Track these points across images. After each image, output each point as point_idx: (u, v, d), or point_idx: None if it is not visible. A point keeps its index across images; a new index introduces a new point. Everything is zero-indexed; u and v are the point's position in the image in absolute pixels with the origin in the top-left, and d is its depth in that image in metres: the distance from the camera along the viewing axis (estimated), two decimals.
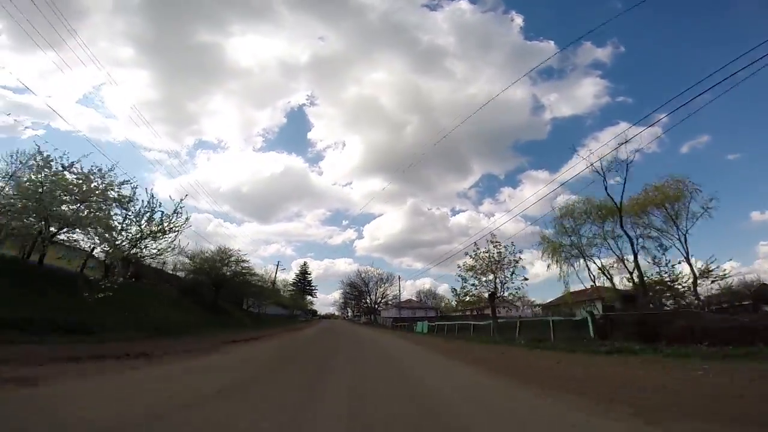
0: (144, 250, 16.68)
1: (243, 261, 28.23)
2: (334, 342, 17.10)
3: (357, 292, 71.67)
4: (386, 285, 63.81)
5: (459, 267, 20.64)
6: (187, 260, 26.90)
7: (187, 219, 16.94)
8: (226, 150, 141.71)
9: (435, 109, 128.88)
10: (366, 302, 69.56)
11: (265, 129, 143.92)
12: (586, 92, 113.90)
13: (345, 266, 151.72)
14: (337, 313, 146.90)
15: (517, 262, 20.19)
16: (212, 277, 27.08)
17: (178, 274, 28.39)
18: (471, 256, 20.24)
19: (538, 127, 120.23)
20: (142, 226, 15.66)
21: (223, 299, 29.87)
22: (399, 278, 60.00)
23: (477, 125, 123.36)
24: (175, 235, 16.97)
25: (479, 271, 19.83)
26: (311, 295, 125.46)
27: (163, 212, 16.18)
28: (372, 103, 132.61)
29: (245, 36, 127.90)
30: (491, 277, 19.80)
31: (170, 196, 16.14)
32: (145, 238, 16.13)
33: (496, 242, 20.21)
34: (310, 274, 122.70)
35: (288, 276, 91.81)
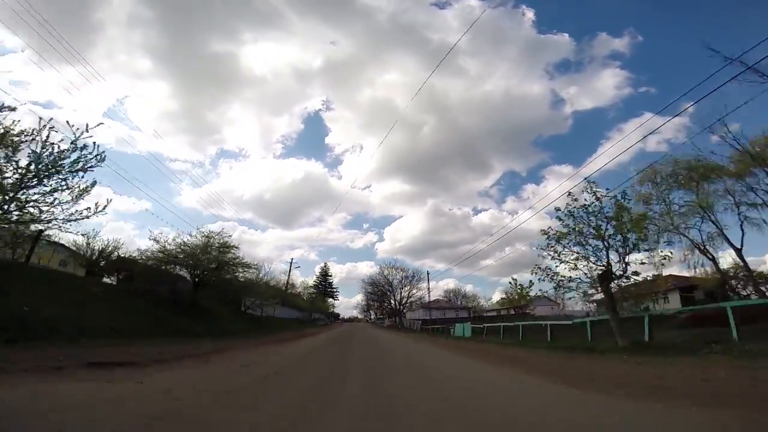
0: (28, 213, 9.99)
1: (230, 247, 21.55)
2: (342, 359, 10.00)
3: (380, 292, 64.24)
4: (412, 284, 56.16)
5: (546, 234, 12.76)
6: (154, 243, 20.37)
7: (99, 157, 10.21)
8: (247, 158, 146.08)
9: (451, 107, 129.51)
10: (390, 304, 62.16)
11: (284, 136, 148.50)
12: (607, 84, 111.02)
13: (367, 269, 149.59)
14: (359, 316, 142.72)
15: (643, 217, 12.43)
16: (191, 268, 20.58)
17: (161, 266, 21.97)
18: (561, 219, 12.53)
19: (559, 122, 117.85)
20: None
21: (211, 298, 23.38)
22: (428, 275, 52.57)
23: (496, 122, 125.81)
24: (83, 187, 10.28)
25: (582, 237, 12.06)
26: (333, 298, 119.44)
27: (54, 145, 9.55)
28: (387, 105, 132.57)
29: (257, 44, 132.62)
30: (599, 245, 11.99)
31: (67, 121, 9.26)
32: (26, 187, 9.52)
33: (600, 192, 12.37)
34: (331, 276, 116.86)
35: (309, 279, 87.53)
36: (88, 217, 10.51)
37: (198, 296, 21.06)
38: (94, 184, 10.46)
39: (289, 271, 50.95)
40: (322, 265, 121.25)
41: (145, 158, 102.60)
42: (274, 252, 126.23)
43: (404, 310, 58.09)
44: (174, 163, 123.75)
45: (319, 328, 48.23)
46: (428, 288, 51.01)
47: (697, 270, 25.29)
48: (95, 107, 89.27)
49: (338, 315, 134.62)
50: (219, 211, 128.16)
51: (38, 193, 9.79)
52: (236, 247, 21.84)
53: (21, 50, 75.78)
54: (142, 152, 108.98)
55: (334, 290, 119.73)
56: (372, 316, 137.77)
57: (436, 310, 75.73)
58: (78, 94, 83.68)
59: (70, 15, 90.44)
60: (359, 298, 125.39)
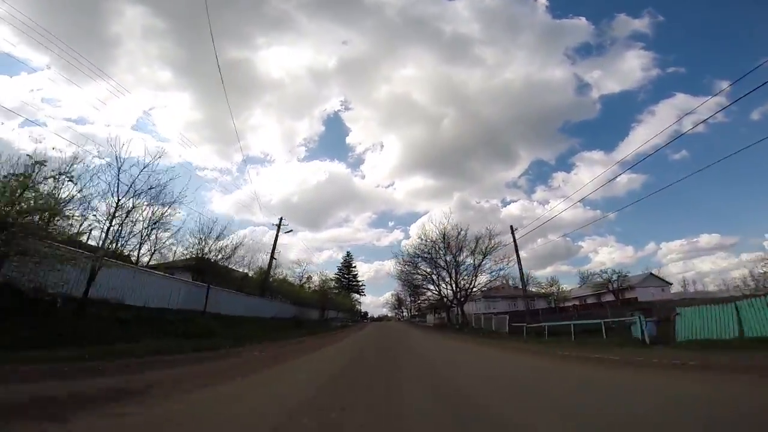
0: None
1: None
2: None
3: (420, 278, 40.92)
4: (490, 246, 31.80)
5: None
6: None
7: None
8: (272, 163, 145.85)
9: (471, 98, 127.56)
10: (438, 292, 39.83)
11: (306, 139, 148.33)
12: (632, 66, 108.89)
13: (394, 267, 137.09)
14: (389, 315, 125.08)
15: None
16: None
17: None
18: None
19: (586, 106, 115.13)
20: None
21: None
22: (513, 231, 29.64)
23: (519, 110, 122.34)
24: None
25: None
26: (358, 293, 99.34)
27: None
28: (405, 100, 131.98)
29: (271, 48, 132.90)
30: None
31: None
32: None
33: None
34: (355, 267, 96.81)
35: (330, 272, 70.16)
36: None
37: None
38: None
39: (276, 235, 30.34)
40: (345, 254, 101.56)
41: (176, 168, 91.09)
42: (304, 254, 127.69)
43: (465, 300, 35.65)
44: (203, 172, 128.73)
45: (317, 337, 27.15)
46: (517, 255, 28.24)
47: None
48: (124, 121, 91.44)
49: (365, 314, 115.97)
50: (250, 216, 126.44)
51: None
52: None
53: (47, 67, 74.41)
54: (172, 163, 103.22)
55: (359, 283, 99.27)
56: (404, 314, 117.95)
57: (498, 299, 53.33)
58: (108, 109, 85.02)
59: (88, 31, 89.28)
60: (388, 295, 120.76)
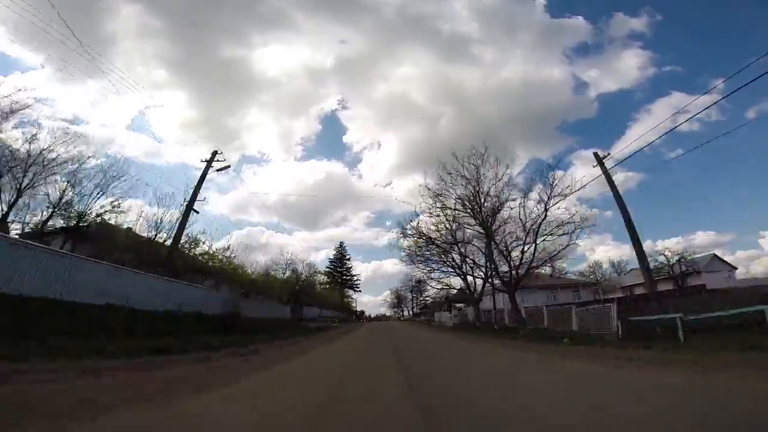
0: None
1: None
2: None
3: (436, 258, 28.63)
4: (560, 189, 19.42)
5: None
6: None
7: None
8: (269, 162, 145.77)
9: (469, 97, 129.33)
10: (460, 273, 27.58)
11: (303, 138, 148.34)
12: (629, 65, 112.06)
13: (392, 267, 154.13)
14: (388, 314, 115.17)
15: None
16: None
17: None
18: None
19: (584, 105, 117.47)
20: None
21: None
22: (599, 159, 17.63)
23: (517, 109, 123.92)
24: None
25: None
26: (352, 289, 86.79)
27: None
28: (403, 99, 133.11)
29: (268, 46, 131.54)
30: None
31: None
32: None
33: None
34: (348, 260, 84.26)
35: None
36: None
37: None
38: None
39: (205, 171, 18.18)
40: (338, 244, 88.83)
41: (171, 168, 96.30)
42: (301, 254, 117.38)
43: (518, 284, 22.86)
44: (199, 172, 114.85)
45: (236, 353, 14.86)
46: (618, 199, 15.84)
47: None
48: (120, 120, 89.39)
49: (362, 312, 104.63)
50: (246, 216, 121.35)
51: None
52: None
53: (41, 66, 70.32)
54: (169, 162, 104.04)
55: (354, 278, 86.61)
56: (404, 313, 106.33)
57: (538, 290, 40.98)
58: (103, 108, 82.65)
59: (83, 29, 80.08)
60: (386, 294, 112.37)
